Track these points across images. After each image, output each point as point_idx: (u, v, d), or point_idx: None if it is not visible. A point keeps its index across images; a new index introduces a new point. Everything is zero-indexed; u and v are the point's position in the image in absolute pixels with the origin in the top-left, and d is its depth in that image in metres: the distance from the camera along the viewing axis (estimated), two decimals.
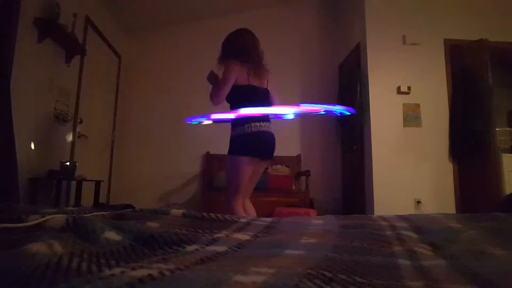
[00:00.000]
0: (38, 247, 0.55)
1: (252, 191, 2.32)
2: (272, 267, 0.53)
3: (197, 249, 0.69)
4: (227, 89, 2.04)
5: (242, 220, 1.04)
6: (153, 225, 0.86)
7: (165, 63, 4.70)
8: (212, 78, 2.17)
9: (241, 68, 2.08)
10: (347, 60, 4.34)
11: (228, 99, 2.10)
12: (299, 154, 4.51)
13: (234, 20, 4.66)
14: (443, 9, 3.84)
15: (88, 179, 3.15)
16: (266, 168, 4.26)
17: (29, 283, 0.42)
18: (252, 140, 2.06)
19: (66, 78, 3.17)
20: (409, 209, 3.38)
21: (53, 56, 2.94)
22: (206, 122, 2.20)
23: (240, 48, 2.13)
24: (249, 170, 2.10)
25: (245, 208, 2.18)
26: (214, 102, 2.07)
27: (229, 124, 2.18)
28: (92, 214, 0.95)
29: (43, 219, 0.74)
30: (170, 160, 4.47)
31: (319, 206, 4.13)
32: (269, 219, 1.13)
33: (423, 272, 0.57)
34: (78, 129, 3.41)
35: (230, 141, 2.12)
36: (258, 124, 2.06)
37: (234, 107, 2.10)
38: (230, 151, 2.10)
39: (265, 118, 2.10)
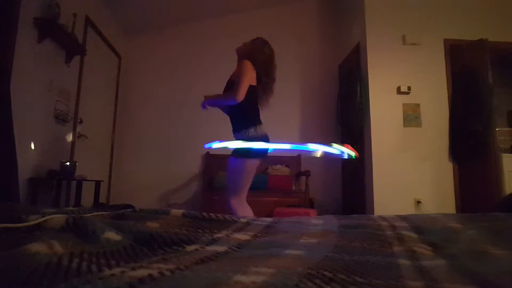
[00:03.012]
0: (38, 247, 0.55)
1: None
2: (272, 267, 0.53)
3: (197, 249, 0.69)
4: (247, 85, 2.06)
5: (242, 220, 1.04)
6: (153, 225, 0.86)
7: (165, 63, 4.70)
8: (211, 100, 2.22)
9: (254, 70, 2.15)
10: (347, 60, 4.34)
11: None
12: (299, 154, 4.51)
13: (234, 21, 4.71)
14: (443, 9, 3.84)
15: (88, 179, 3.15)
16: (266, 168, 4.26)
17: (29, 283, 0.42)
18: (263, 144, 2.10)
19: (66, 78, 3.17)
20: (409, 209, 3.38)
21: (53, 56, 2.94)
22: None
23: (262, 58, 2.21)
24: (254, 172, 2.13)
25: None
26: (236, 100, 2.04)
27: (228, 122, 2.21)
28: (92, 214, 0.95)
29: (43, 219, 0.74)
30: (170, 160, 4.47)
31: (319, 206, 4.13)
32: (269, 219, 1.13)
33: (423, 272, 0.57)
34: (78, 129, 3.41)
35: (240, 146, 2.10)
36: (262, 127, 2.13)
37: (246, 106, 2.11)
38: (239, 153, 2.08)
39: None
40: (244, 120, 2.12)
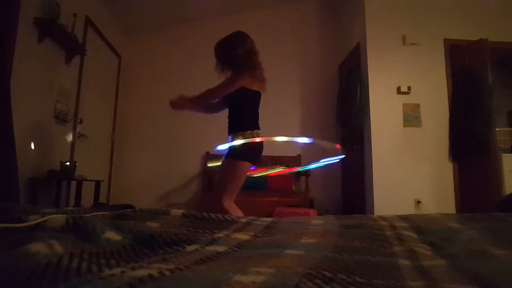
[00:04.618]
0: (38, 247, 0.55)
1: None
2: (272, 267, 0.53)
3: (197, 249, 0.69)
4: (224, 94, 2.10)
5: (242, 220, 1.04)
6: (153, 225, 0.86)
7: (165, 63, 4.70)
8: (180, 104, 2.29)
9: (249, 78, 2.07)
10: (347, 60, 4.34)
11: (234, 101, 2.11)
12: (299, 154, 4.51)
13: (234, 21, 4.69)
14: (443, 9, 3.84)
15: (88, 179, 3.15)
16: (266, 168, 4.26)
17: (29, 283, 0.42)
18: (258, 148, 2.10)
19: (66, 78, 3.17)
20: (409, 209, 3.38)
21: (53, 56, 2.94)
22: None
23: (248, 57, 2.07)
24: (246, 175, 2.13)
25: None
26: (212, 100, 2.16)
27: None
28: (92, 214, 0.95)
29: (43, 219, 0.74)
30: (170, 160, 4.47)
31: (319, 206, 4.13)
32: (269, 219, 1.13)
33: (423, 272, 0.57)
34: (78, 129, 3.41)
35: (235, 147, 2.08)
36: (259, 131, 2.12)
37: (241, 110, 2.10)
38: (234, 157, 2.07)
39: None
40: (243, 123, 2.10)
